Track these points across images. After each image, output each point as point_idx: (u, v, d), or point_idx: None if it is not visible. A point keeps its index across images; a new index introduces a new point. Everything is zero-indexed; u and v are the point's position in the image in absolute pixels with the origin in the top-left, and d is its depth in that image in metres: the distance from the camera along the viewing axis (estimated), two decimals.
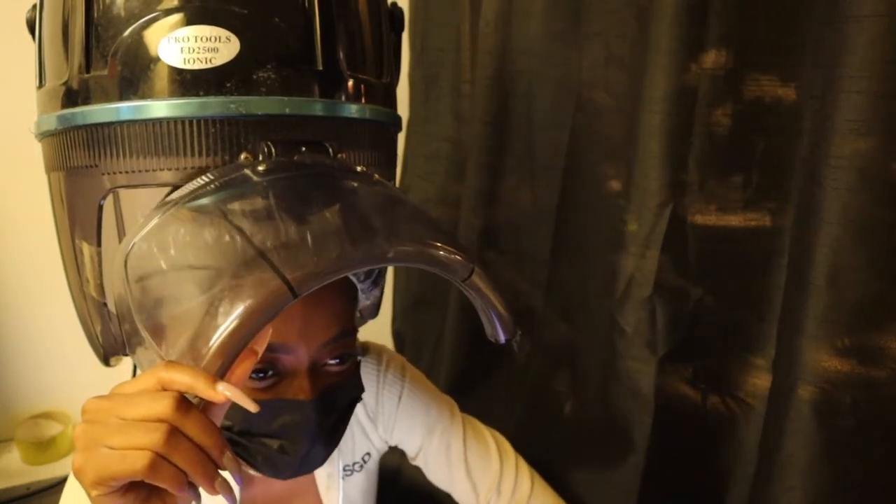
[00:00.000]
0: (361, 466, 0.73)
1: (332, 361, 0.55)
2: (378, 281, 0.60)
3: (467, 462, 0.74)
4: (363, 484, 0.74)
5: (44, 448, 1.19)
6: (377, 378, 0.72)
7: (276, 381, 0.52)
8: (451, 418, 0.76)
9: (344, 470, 0.70)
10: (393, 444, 0.75)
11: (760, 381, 0.72)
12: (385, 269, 0.59)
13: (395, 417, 0.73)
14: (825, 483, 0.60)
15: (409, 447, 0.75)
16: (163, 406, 0.37)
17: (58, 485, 1.14)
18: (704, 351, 0.76)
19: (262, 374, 0.51)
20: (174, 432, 0.36)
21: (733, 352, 0.74)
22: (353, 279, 0.57)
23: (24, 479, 1.16)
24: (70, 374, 1.25)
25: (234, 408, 0.50)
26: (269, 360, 0.51)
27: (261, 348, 0.41)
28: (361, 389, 0.59)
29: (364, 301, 0.61)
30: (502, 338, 0.52)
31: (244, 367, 0.40)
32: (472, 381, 1.09)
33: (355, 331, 0.57)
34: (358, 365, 0.59)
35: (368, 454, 0.74)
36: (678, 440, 0.78)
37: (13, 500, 1.13)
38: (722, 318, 0.74)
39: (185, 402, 0.37)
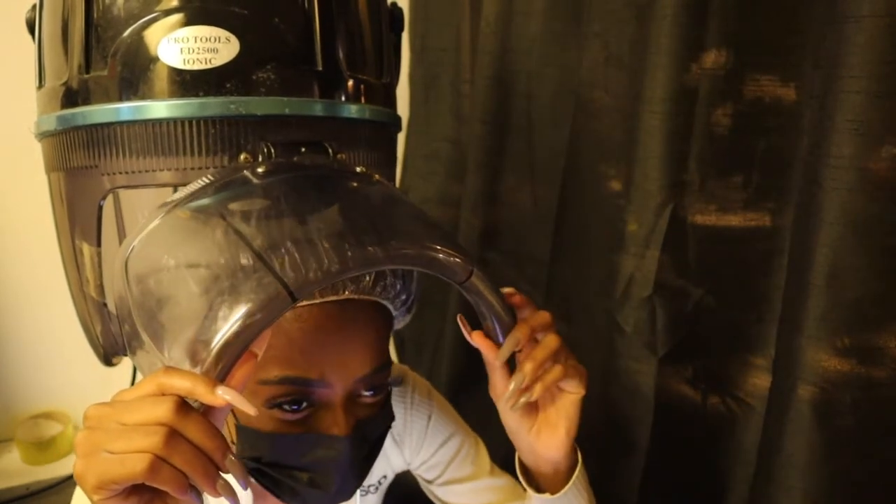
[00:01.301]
0: (377, 488, 0.73)
1: (366, 393, 0.53)
2: (412, 308, 0.58)
3: (496, 487, 0.74)
4: (376, 503, 0.74)
5: (44, 448, 1.19)
6: (405, 401, 0.72)
7: (310, 414, 0.51)
8: (475, 445, 0.76)
9: (360, 490, 0.70)
10: (415, 465, 0.75)
11: (760, 381, 0.72)
12: (418, 296, 0.58)
13: (424, 438, 0.73)
14: (825, 483, 0.60)
15: (431, 470, 0.75)
16: (162, 410, 0.37)
17: (58, 485, 1.14)
18: (704, 351, 0.76)
19: (295, 407, 0.50)
20: (174, 435, 0.36)
21: (733, 352, 0.74)
22: (391, 306, 0.55)
23: (24, 479, 1.16)
24: (70, 374, 1.25)
25: (265, 439, 0.49)
26: (305, 393, 0.50)
27: (260, 351, 0.41)
28: (392, 419, 0.58)
29: (395, 326, 0.60)
30: (501, 338, 0.52)
31: (244, 371, 0.40)
32: (472, 381, 1.09)
33: (391, 363, 0.56)
34: (389, 394, 0.57)
35: (385, 476, 0.74)
36: (678, 440, 0.78)
37: (13, 500, 1.13)
38: (722, 318, 0.74)
39: (184, 406, 0.37)
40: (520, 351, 0.53)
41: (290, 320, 0.48)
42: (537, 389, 0.51)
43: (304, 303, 0.48)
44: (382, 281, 0.51)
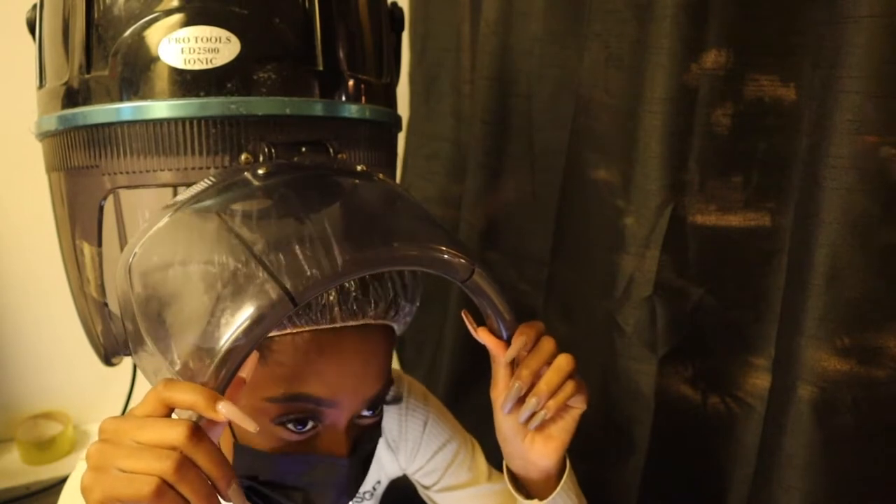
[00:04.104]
0: (371, 495, 0.73)
1: (366, 413, 0.53)
2: (408, 324, 0.58)
3: (495, 492, 0.73)
4: None
5: (44, 448, 1.19)
6: (400, 406, 0.72)
7: (313, 435, 0.51)
8: (472, 450, 0.75)
9: (356, 497, 0.70)
10: (411, 471, 0.74)
11: (760, 381, 0.72)
12: (416, 308, 0.58)
13: (420, 444, 0.72)
14: (824, 483, 0.60)
15: (428, 476, 0.74)
16: (177, 433, 0.37)
17: (58, 485, 1.13)
18: (704, 351, 0.76)
19: (301, 426, 0.50)
20: (184, 461, 0.37)
21: (733, 352, 0.74)
22: (397, 326, 0.55)
23: (24, 479, 1.16)
24: (70, 374, 1.25)
25: (264, 459, 0.50)
26: (314, 413, 0.50)
27: (248, 376, 0.41)
28: (380, 434, 0.58)
29: None
30: (505, 335, 0.53)
31: (234, 399, 0.41)
32: (472, 381, 1.09)
33: (392, 382, 0.56)
34: (382, 410, 0.57)
35: (379, 482, 0.74)
36: (678, 440, 0.78)
37: (13, 500, 1.13)
38: (722, 318, 0.74)
39: (197, 431, 0.37)
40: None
41: (308, 341, 0.48)
42: (552, 408, 0.52)
43: (324, 326, 0.48)
44: (396, 306, 0.51)
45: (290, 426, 0.49)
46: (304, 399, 0.48)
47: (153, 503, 0.36)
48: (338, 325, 0.49)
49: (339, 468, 0.51)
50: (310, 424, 0.50)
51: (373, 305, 0.49)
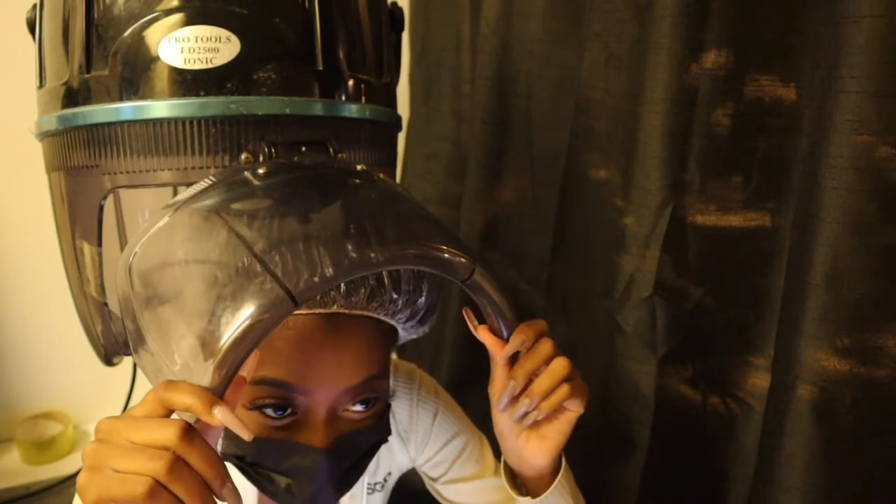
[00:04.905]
0: (382, 486, 0.73)
1: (355, 408, 0.52)
2: (426, 320, 0.57)
3: (500, 486, 0.74)
4: (381, 501, 0.74)
5: (44, 448, 1.19)
6: (411, 397, 0.72)
7: (293, 422, 0.51)
8: (480, 444, 0.76)
9: (367, 488, 0.71)
10: (419, 462, 0.75)
11: (760, 381, 0.72)
12: (435, 308, 0.57)
13: (430, 435, 0.72)
14: (824, 483, 0.60)
15: (436, 468, 0.75)
16: (169, 433, 0.37)
17: (58, 485, 1.14)
18: (704, 351, 0.76)
19: (280, 412, 0.50)
20: (177, 461, 0.37)
21: (733, 352, 0.74)
22: (392, 321, 0.54)
23: (24, 479, 1.16)
24: (70, 374, 1.25)
25: (247, 441, 0.50)
26: (285, 398, 0.50)
27: (249, 375, 0.41)
28: (387, 433, 0.57)
29: (407, 337, 0.59)
30: (506, 335, 0.53)
31: (234, 396, 0.41)
32: (472, 380, 1.09)
33: (384, 375, 0.54)
34: (387, 408, 0.56)
35: (390, 473, 0.74)
36: (678, 440, 0.78)
37: (13, 500, 1.13)
38: (722, 318, 0.74)
39: (190, 431, 0.38)
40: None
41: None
42: (544, 409, 0.52)
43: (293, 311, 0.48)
44: (379, 297, 0.50)
45: (269, 411, 0.49)
46: (274, 383, 0.49)
47: (147, 503, 0.36)
48: (303, 311, 0.48)
49: (316, 458, 0.50)
50: (288, 411, 0.50)
51: (343, 294, 0.48)
